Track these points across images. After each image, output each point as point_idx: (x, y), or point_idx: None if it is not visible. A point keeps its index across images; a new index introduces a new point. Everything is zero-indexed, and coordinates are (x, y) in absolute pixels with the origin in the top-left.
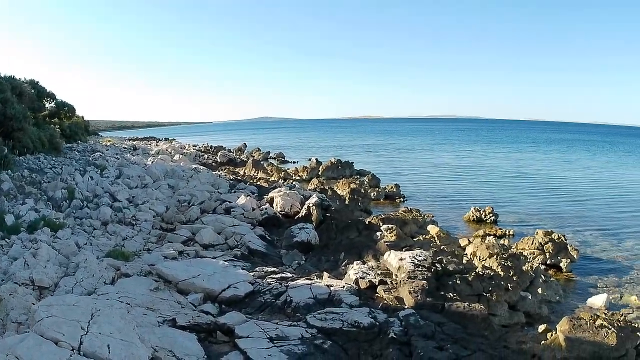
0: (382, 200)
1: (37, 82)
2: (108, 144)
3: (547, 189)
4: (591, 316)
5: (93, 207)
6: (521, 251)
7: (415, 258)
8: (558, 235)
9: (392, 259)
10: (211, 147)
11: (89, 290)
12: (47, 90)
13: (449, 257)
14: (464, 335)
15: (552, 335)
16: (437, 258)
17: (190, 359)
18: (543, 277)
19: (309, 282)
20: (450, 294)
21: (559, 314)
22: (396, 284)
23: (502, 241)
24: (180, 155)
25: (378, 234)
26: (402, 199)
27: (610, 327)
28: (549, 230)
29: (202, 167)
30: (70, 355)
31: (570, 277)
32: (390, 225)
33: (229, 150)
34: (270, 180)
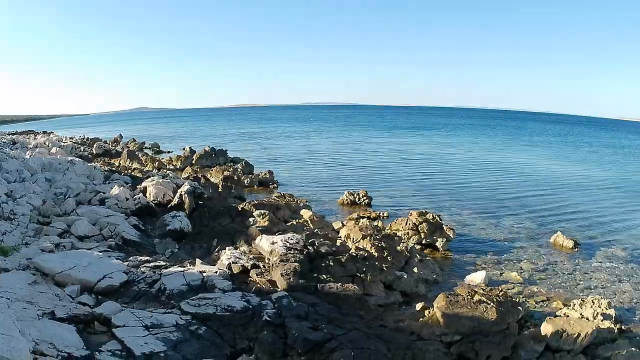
0: (255, 187)
1: None
2: None
3: (426, 172)
4: (468, 292)
5: None
6: (395, 232)
7: (288, 241)
8: (433, 216)
9: (263, 243)
10: (87, 139)
11: None
12: None
13: (321, 239)
14: (339, 315)
15: (429, 312)
16: (310, 241)
17: (70, 350)
18: (419, 256)
19: (182, 269)
20: (324, 275)
21: (437, 292)
22: (269, 267)
23: (376, 223)
24: (58, 148)
25: (251, 219)
26: (276, 185)
27: (489, 302)
28: (424, 210)
29: (77, 159)
30: None
31: (447, 255)
32: (262, 211)
33: (105, 142)
34: (144, 170)
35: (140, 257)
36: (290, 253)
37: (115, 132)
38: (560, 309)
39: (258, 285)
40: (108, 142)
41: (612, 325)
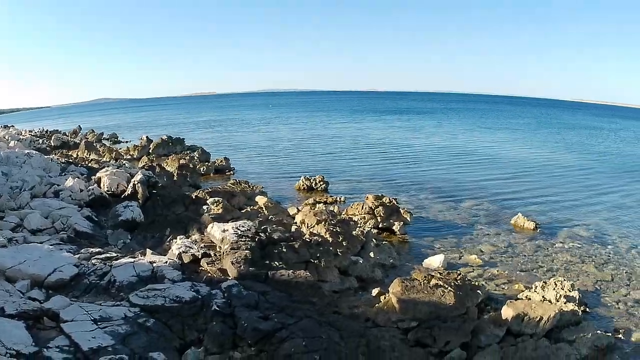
0: (212, 174)
1: None
2: None
3: (384, 156)
4: (425, 276)
5: None
6: (351, 216)
7: (239, 229)
8: (389, 199)
9: (215, 231)
10: (47, 131)
11: None
12: None
13: (275, 226)
14: (290, 303)
15: (385, 298)
16: (262, 227)
17: (19, 348)
18: (375, 240)
19: (133, 260)
20: (276, 262)
21: (394, 277)
22: (220, 256)
23: (332, 208)
24: (16, 142)
25: (205, 207)
26: (232, 172)
27: (446, 286)
28: (380, 194)
29: (35, 151)
30: None
31: (405, 239)
32: (216, 198)
33: (64, 134)
34: (101, 161)
35: (92, 249)
36: (241, 240)
37: (75, 123)
38: (522, 291)
39: (208, 274)
40: (67, 134)
41: (576, 308)
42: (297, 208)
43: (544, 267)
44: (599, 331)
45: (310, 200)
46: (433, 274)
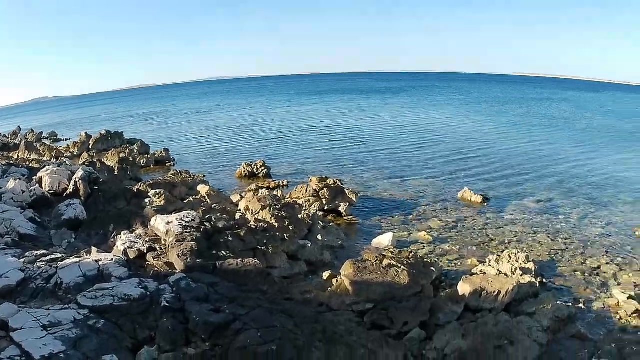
0: (152, 166)
1: None
2: None
3: (326, 138)
4: (377, 256)
5: None
6: (296, 200)
7: (183, 220)
8: (333, 181)
9: (159, 224)
10: None
11: None
12: None
13: (219, 214)
14: (240, 293)
15: (337, 281)
16: (207, 217)
17: None
18: (322, 223)
19: (78, 260)
20: (223, 252)
21: (344, 259)
22: (165, 249)
23: (275, 193)
24: None
25: (147, 200)
26: (172, 162)
27: (399, 265)
28: (324, 176)
29: None
30: None
31: (352, 220)
32: (158, 190)
33: (4, 136)
34: (42, 160)
35: (37, 252)
36: (186, 232)
37: (15, 125)
38: (476, 266)
39: (155, 269)
40: (7, 135)
41: (533, 279)
42: (240, 195)
43: (495, 240)
44: (558, 302)
45: (253, 186)
46: (385, 253)
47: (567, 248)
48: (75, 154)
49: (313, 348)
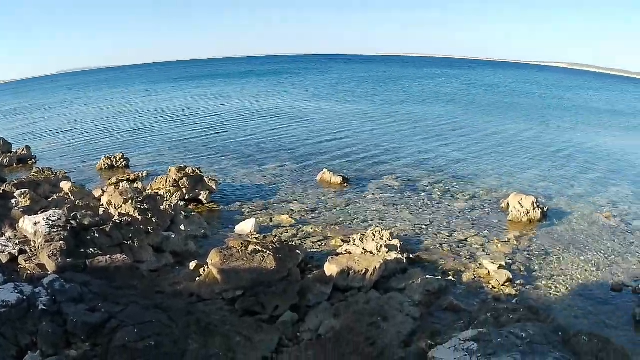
0: (15, 165)
1: None
2: None
3: (183, 126)
4: (242, 243)
5: None
6: (156, 191)
7: (50, 219)
8: (192, 169)
9: (27, 225)
10: None
11: None
12: None
13: (84, 211)
14: (112, 290)
15: (205, 270)
16: (72, 215)
17: None
18: (184, 213)
19: None
20: (92, 249)
21: (209, 247)
22: (36, 250)
23: (136, 185)
24: None
25: (13, 201)
26: (34, 160)
27: (265, 250)
28: (183, 165)
29: None
30: None
31: (213, 208)
32: (23, 190)
33: None
34: None
35: None
36: (54, 231)
37: None
38: (341, 246)
39: (29, 272)
40: None
41: (400, 256)
42: (102, 189)
43: (358, 220)
44: (428, 276)
45: (113, 180)
46: (250, 239)
47: (431, 223)
48: None
49: (190, 340)
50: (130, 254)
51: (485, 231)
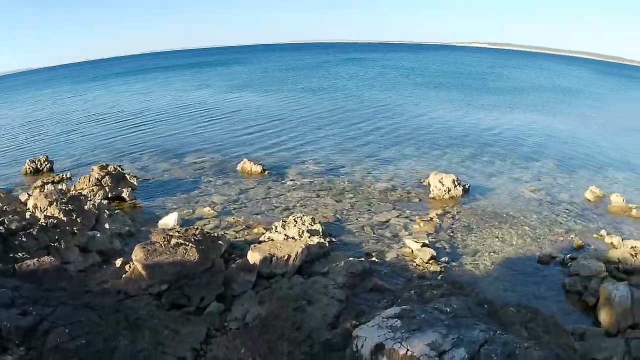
0: None
1: None
2: None
3: (105, 124)
4: (164, 237)
5: None
6: (80, 191)
7: None
8: (114, 167)
9: None
10: None
11: None
12: None
13: (10, 216)
14: (42, 292)
15: (130, 267)
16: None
17: None
18: (107, 211)
19: None
20: (20, 253)
21: (133, 243)
22: None
23: (60, 186)
24: None
25: None
26: None
27: (187, 243)
28: (105, 164)
29: None
30: None
31: (136, 204)
32: None
33: None
34: None
35: None
36: None
37: None
38: (263, 234)
39: None
40: None
41: (322, 240)
42: (28, 193)
43: (280, 207)
44: (351, 258)
45: (38, 183)
46: (172, 233)
47: (353, 206)
48: None
49: (119, 337)
50: (58, 256)
51: (407, 211)
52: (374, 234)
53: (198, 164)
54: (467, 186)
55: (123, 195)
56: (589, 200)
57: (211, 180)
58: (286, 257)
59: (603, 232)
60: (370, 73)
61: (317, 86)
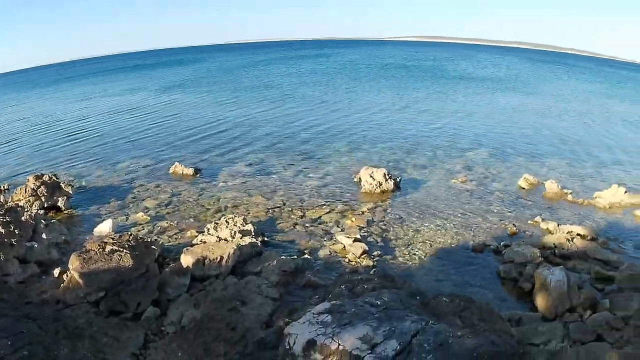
0: None
1: None
2: None
3: (38, 133)
4: (99, 245)
5: None
6: (17, 202)
7: None
8: (49, 176)
9: None
10: None
11: None
12: None
13: None
14: None
15: (67, 275)
16: None
17: None
18: (44, 221)
19: None
20: None
21: (70, 252)
22: None
23: None
24: None
25: None
26: None
27: (121, 249)
28: (40, 173)
29: None
30: None
31: (72, 213)
32: None
33: None
34: None
35: None
36: None
37: None
38: (195, 237)
39: None
40: None
41: (255, 240)
42: None
43: (212, 209)
44: (283, 256)
45: None
46: (106, 240)
47: (284, 205)
48: None
49: (60, 346)
50: None
51: (339, 206)
52: (306, 231)
53: (132, 168)
54: (398, 180)
55: (59, 204)
56: (522, 188)
57: (144, 186)
58: (219, 258)
59: (538, 218)
60: (303, 70)
61: (250, 85)
